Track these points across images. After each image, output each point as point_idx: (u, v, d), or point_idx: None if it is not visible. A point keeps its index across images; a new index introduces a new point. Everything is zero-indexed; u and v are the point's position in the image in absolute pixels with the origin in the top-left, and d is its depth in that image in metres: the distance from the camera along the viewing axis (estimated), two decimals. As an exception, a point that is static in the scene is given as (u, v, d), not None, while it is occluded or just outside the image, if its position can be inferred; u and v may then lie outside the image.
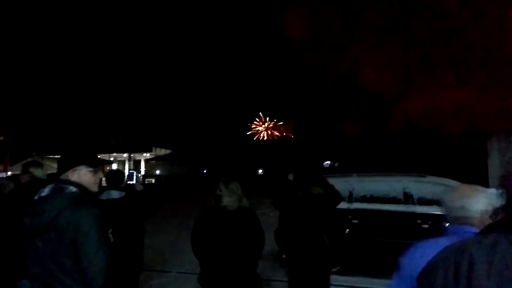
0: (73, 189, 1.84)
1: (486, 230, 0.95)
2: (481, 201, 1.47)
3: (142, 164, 46.79)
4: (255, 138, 65.92)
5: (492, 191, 1.46)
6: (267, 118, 67.87)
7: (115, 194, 3.63)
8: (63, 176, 1.91)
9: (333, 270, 5.52)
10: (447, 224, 1.60)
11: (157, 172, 42.32)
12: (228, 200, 2.96)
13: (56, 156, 47.47)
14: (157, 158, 46.30)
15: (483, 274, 0.80)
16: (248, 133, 66.03)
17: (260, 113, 67.55)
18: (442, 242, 1.38)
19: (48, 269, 1.72)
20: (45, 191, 1.83)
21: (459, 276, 0.84)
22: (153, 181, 39.53)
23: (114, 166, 46.01)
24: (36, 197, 1.84)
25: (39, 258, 1.74)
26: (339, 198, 3.81)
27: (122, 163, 46.51)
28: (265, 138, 65.73)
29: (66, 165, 1.93)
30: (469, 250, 0.86)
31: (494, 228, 0.93)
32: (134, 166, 45.26)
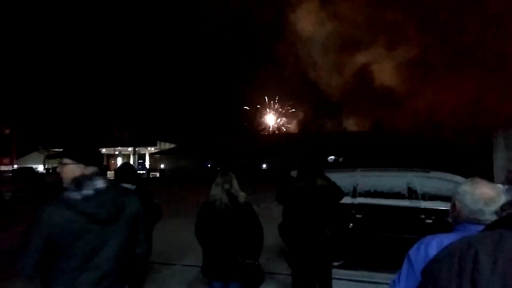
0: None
1: (492, 226, 0.95)
2: (500, 203, 1.35)
3: (147, 158, 46.91)
4: (262, 129, 65.98)
5: (500, 187, 1.43)
6: (274, 108, 67.89)
7: (126, 187, 3.66)
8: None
9: (337, 264, 5.56)
10: (452, 220, 1.53)
11: (162, 166, 42.40)
12: (215, 192, 3.12)
13: (62, 150, 47.75)
14: (161, 152, 46.38)
15: (487, 270, 0.80)
16: (254, 126, 65.99)
17: (266, 101, 67.55)
18: (452, 238, 1.32)
19: (103, 257, 1.86)
20: (99, 184, 1.89)
21: (463, 272, 0.84)
22: (158, 175, 39.71)
23: (119, 160, 46.18)
24: (91, 191, 1.85)
25: (94, 248, 1.83)
26: (342, 193, 3.83)
27: (127, 156, 46.69)
28: (271, 129, 65.78)
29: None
30: (474, 246, 0.87)
31: (500, 224, 0.93)
32: (139, 160, 45.43)
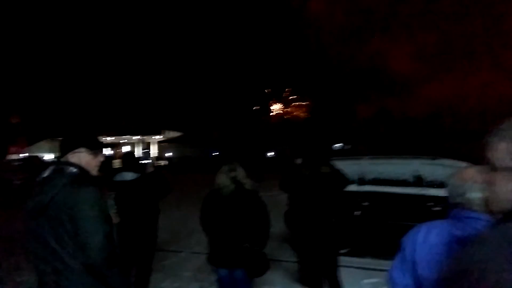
0: (73, 169, 1.85)
1: (504, 222, 0.74)
2: (482, 187, 1.30)
3: (153, 146, 47.14)
4: (270, 114, 65.83)
5: None
6: (281, 97, 67.70)
7: (128, 175, 3.67)
8: (63, 158, 1.93)
9: (343, 251, 5.55)
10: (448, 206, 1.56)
11: (169, 154, 42.62)
12: (221, 180, 3.12)
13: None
14: (168, 141, 46.54)
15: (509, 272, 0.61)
16: (260, 113, 65.88)
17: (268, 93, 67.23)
18: (444, 225, 1.39)
19: (50, 249, 1.72)
20: (46, 172, 1.85)
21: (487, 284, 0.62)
22: (164, 163, 39.96)
23: (126, 148, 46.48)
24: (38, 179, 1.85)
25: (42, 238, 1.74)
26: (347, 180, 3.80)
27: (133, 145, 46.96)
28: (277, 114, 65.66)
29: (67, 147, 1.95)
30: (495, 259, 0.64)
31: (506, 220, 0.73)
32: (146, 148, 45.70)
